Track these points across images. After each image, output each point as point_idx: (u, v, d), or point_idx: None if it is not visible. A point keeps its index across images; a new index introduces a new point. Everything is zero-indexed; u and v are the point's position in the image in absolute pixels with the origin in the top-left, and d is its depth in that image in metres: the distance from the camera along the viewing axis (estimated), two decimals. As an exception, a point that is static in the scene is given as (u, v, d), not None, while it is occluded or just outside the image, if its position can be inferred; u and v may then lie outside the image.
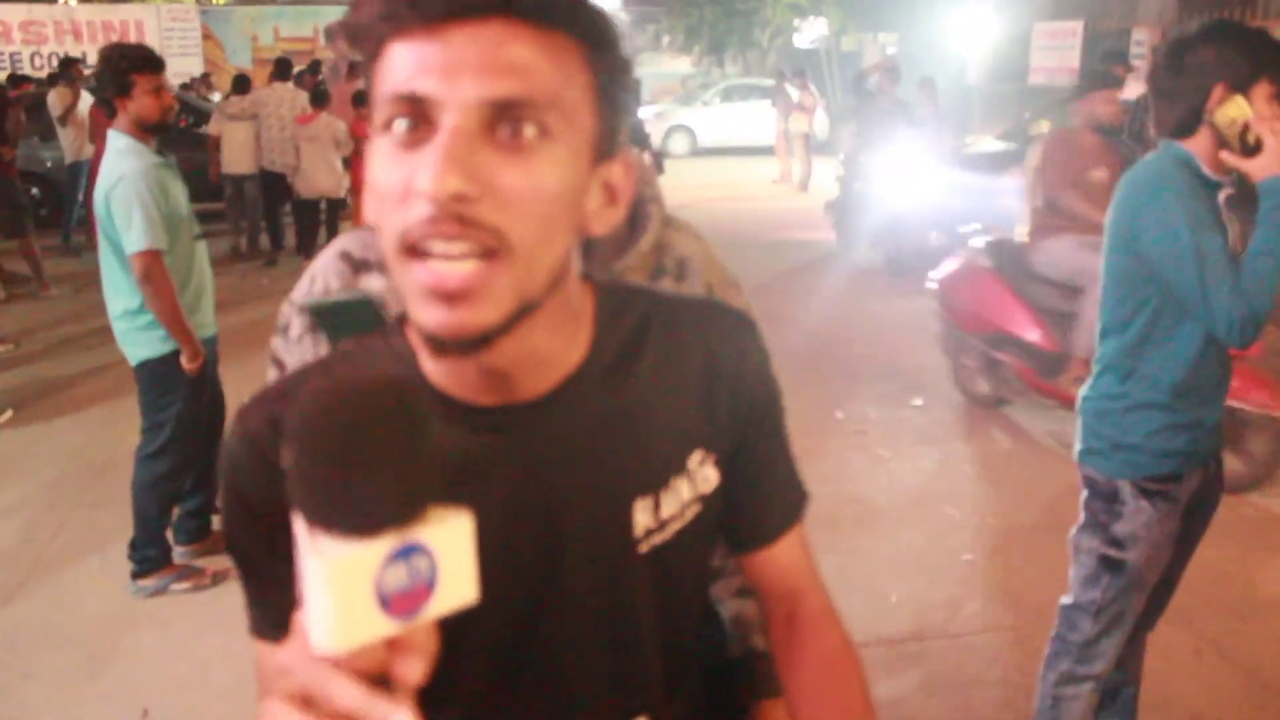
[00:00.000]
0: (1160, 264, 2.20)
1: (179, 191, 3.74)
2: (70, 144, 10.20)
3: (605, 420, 0.93)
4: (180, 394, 3.75)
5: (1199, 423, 2.31)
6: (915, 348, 6.99)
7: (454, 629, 0.95)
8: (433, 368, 0.89)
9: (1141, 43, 13.48)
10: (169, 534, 3.95)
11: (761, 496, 1.06)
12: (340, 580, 0.58)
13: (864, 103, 10.05)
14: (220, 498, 0.88)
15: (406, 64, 0.76)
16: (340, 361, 0.96)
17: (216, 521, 4.14)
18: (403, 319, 0.94)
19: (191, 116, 12.10)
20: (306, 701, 0.60)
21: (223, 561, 4.01)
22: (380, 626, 0.59)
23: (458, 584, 0.62)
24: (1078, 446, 2.48)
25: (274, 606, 0.86)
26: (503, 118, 0.75)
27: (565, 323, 0.90)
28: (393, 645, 0.61)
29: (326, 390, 0.60)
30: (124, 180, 3.52)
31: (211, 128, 10.23)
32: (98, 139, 9.21)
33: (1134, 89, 7.83)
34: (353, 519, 0.58)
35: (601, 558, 0.95)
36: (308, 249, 9.46)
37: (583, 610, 0.95)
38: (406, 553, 0.59)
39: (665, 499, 0.96)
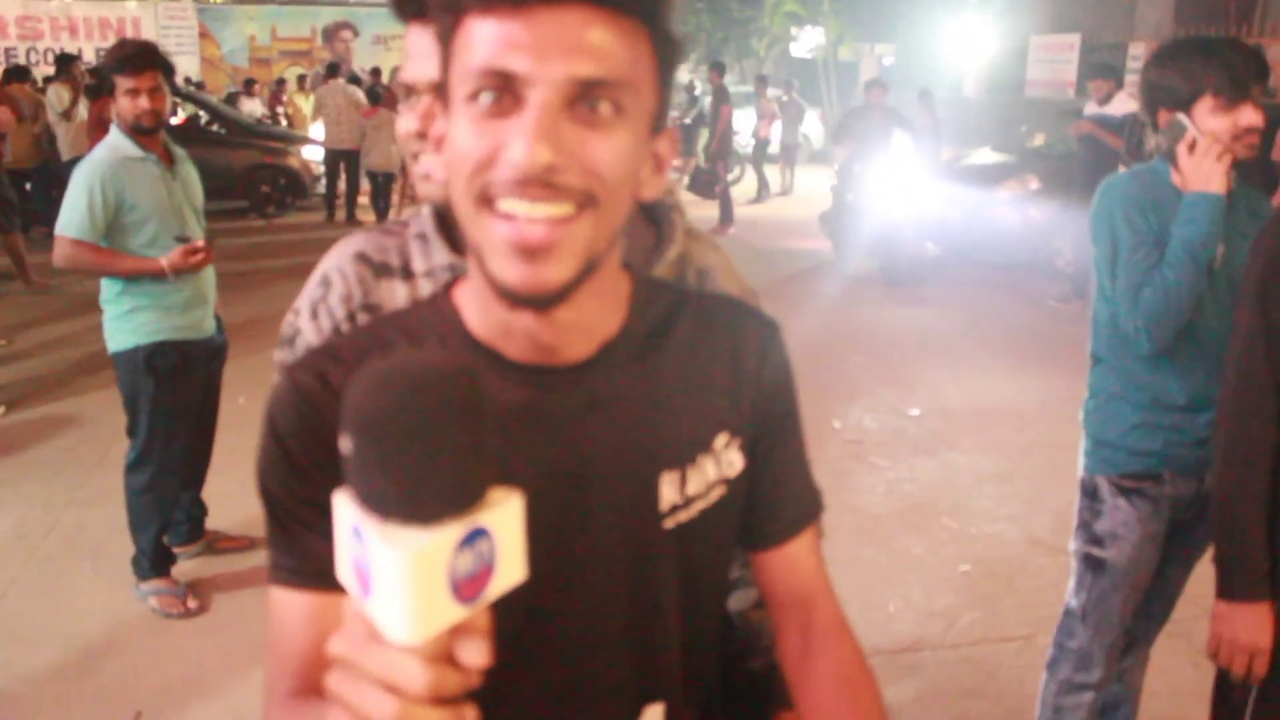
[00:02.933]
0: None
1: (159, 190, 3.52)
2: (68, 142, 10.15)
3: (637, 391, 0.96)
4: (151, 393, 3.60)
5: (1176, 428, 2.31)
6: (911, 358, 7.01)
7: None
8: (480, 325, 0.93)
9: (1138, 57, 13.57)
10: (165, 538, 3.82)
11: (778, 494, 1.07)
12: (420, 570, 0.57)
13: (856, 114, 10.06)
14: (260, 446, 0.89)
15: (495, 40, 0.80)
16: (389, 325, 0.96)
17: (208, 521, 4.12)
18: (448, 285, 0.97)
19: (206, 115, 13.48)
20: (389, 686, 0.60)
21: (212, 565, 4.00)
22: (452, 613, 0.59)
23: (512, 564, 0.62)
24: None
25: (299, 553, 0.88)
26: (583, 95, 0.80)
27: (608, 294, 0.94)
28: (456, 629, 0.61)
29: (390, 378, 0.60)
30: (82, 166, 3.46)
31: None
32: (94, 137, 9.18)
33: (1127, 104, 7.88)
34: (421, 508, 0.58)
35: (627, 528, 0.95)
36: (351, 203, 12.47)
37: (604, 581, 0.96)
38: (473, 538, 0.59)
39: (691, 476, 0.98)
